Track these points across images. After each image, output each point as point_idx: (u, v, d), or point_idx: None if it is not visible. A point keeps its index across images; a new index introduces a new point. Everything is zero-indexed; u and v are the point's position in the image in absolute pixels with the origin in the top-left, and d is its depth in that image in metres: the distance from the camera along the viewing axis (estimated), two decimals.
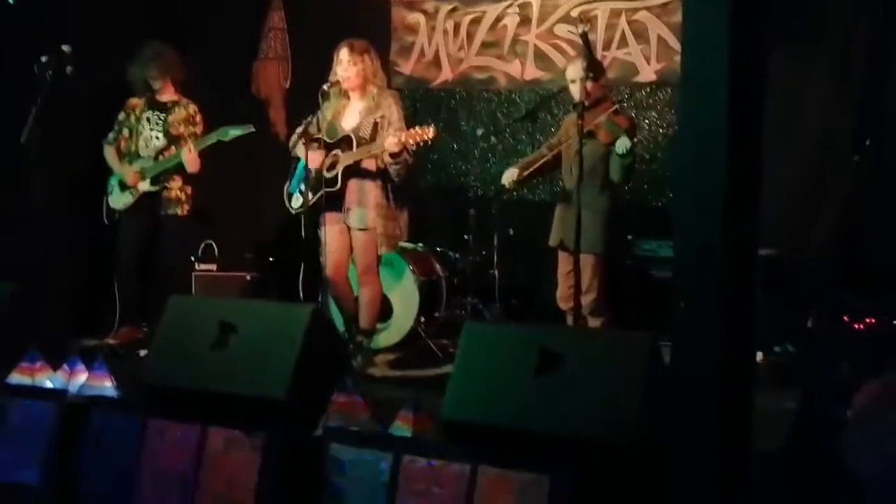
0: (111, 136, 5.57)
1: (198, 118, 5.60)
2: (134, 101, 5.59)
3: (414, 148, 4.75)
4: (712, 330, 2.59)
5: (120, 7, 5.73)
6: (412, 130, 4.70)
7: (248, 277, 6.05)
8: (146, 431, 3.36)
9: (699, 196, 2.58)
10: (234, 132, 5.33)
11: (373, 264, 5.06)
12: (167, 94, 5.59)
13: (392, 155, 4.74)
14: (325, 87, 4.91)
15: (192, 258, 5.98)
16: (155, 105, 5.57)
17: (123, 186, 5.51)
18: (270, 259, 6.19)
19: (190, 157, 5.37)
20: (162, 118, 5.55)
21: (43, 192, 4.69)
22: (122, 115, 5.59)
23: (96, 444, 3.40)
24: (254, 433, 3.20)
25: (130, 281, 5.53)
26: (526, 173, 5.11)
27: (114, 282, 5.56)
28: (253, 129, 5.42)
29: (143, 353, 5.14)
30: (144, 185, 5.46)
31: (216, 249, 6.20)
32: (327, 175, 4.93)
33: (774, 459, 3.26)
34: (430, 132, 4.66)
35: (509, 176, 5.11)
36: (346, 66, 4.93)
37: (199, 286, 5.91)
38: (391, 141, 4.69)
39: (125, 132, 5.57)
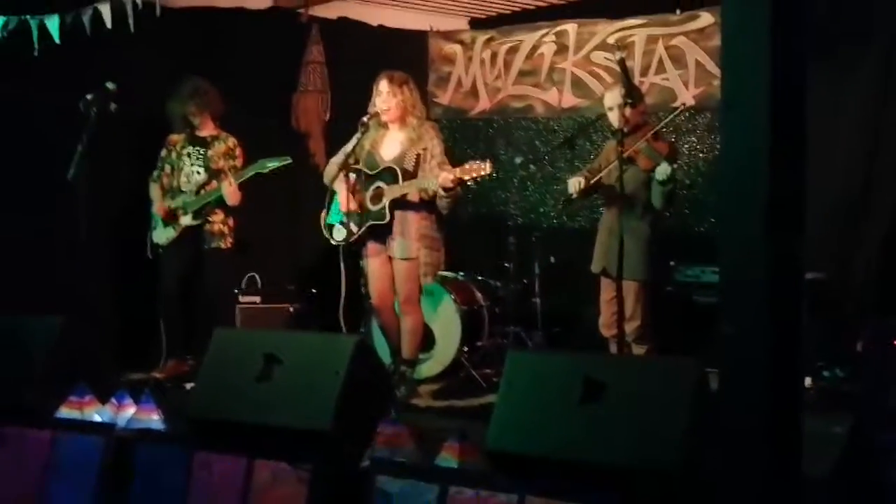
0: (155, 173, 5.68)
1: (237, 151, 5.67)
2: (174, 137, 5.69)
3: (471, 184, 4.76)
4: (761, 355, 2.56)
5: (161, 42, 5.82)
6: (468, 165, 4.70)
7: (291, 309, 6.08)
8: (193, 464, 3.37)
9: (744, 219, 2.56)
10: (272, 164, 5.40)
11: (414, 294, 5.07)
12: (206, 129, 5.67)
13: (445, 189, 4.75)
14: (364, 118, 4.96)
15: (236, 290, 6.02)
16: (195, 140, 5.66)
17: (167, 221, 5.59)
18: (312, 290, 6.22)
19: (230, 191, 5.43)
20: (202, 153, 5.63)
21: (89, 227, 4.76)
22: (163, 152, 5.69)
23: (144, 477, 3.42)
24: (300, 465, 3.20)
25: (175, 314, 5.60)
26: (592, 182, 4.97)
27: (159, 316, 5.62)
28: (290, 161, 5.49)
29: (189, 386, 5.19)
30: (186, 220, 5.54)
31: (259, 282, 6.25)
32: (372, 207, 4.95)
33: (824, 485, 3.21)
34: (486, 167, 4.67)
35: (575, 184, 4.99)
36: (385, 97, 4.96)
37: (243, 318, 5.95)
38: (446, 177, 4.70)
39: (167, 168, 5.66)
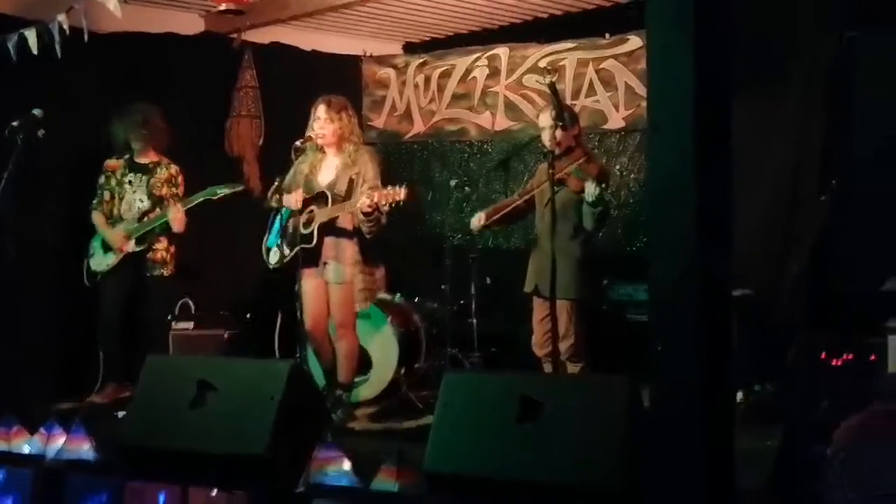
0: (95, 201, 5.59)
1: (179, 179, 5.65)
2: (112, 163, 5.61)
3: (386, 208, 4.76)
4: (691, 371, 2.61)
5: (88, 68, 5.75)
6: (383, 191, 4.70)
7: (226, 335, 6.01)
8: (126, 494, 3.32)
9: (672, 238, 2.62)
10: (223, 190, 5.40)
11: (349, 318, 5.06)
12: (147, 156, 5.62)
13: (365, 213, 4.75)
14: (298, 143, 4.95)
15: (169, 317, 5.94)
16: (135, 167, 5.59)
17: (107, 248, 5.52)
18: (248, 315, 6.16)
19: (177, 217, 5.39)
20: (144, 180, 5.57)
21: (16, 256, 4.66)
22: (101, 179, 5.60)
23: None
24: (235, 491, 3.17)
25: (113, 341, 5.50)
26: (494, 218, 5.12)
27: (95, 343, 5.53)
28: (241, 188, 5.53)
29: (120, 414, 5.10)
30: (130, 246, 5.47)
31: (193, 307, 6.17)
32: (304, 231, 4.94)
33: (757, 498, 3.27)
34: (401, 193, 4.66)
35: (476, 221, 5.14)
36: (322, 122, 4.96)
37: (176, 345, 5.87)
38: (364, 201, 4.70)
39: (106, 195, 5.59)
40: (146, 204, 5.54)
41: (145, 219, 5.51)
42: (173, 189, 5.61)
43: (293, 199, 4.94)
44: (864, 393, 4.49)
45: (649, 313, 2.75)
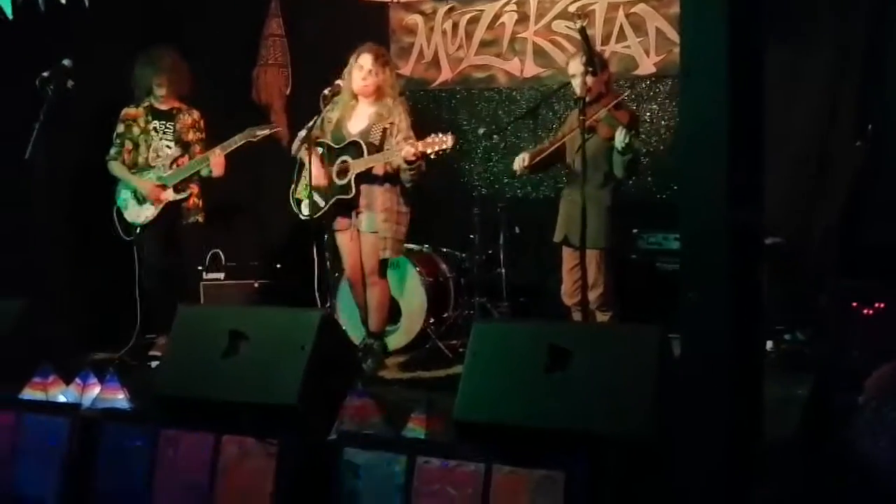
0: (113, 151, 5.49)
1: (202, 124, 5.59)
2: (131, 111, 5.51)
3: (433, 157, 4.74)
4: (722, 320, 2.60)
5: (116, 16, 5.73)
6: (430, 139, 4.68)
7: (256, 285, 6.06)
8: (160, 442, 3.37)
9: (703, 186, 2.59)
10: (262, 131, 5.36)
11: (377, 267, 5.06)
12: (168, 102, 5.54)
13: (408, 162, 4.74)
14: (326, 91, 4.91)
15: (199, 268, 5.98)
16: (158, 114, 5.52)
17: (142, 199, 5.44)
18: (277, 266, 6.19)
19: (218, 161, 5.34)
20: (170, 126, 5.51)
21: (49, 208, 4.70)
22: (120, 128, 5.50)
23: (111, 456, 3.41)
24: (267, 440, 3.21)
25: (162, 292, 5.42)
26: (537, 159, 5.00)
27: (133, 293, 5.47)
28: (279, 128, 5.48)
29: (154, 364, 5.17)
30: (169, 195, 5.41)
31: (223, 258, 6.21)
32: (338, 182, 4.93)
33: (786, 446, 3.27)
34: (448, 140, 4.65)
35: (520, 161, 5.01)
36: (365, 73, 4.92)
37: (208, 296, 5.92)
38: (408, 150, 4.69)
39: (128, 145, 5.50)
40: (175, 150, 5.47)
41: (175, 166, 5.45)
42: (199, 134, 5.55)
43: (317, 173, 4.87)
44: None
45: (680, 262, 2.73)
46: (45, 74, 4.86)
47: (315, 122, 4.93)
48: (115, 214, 5.50)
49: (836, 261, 5.22)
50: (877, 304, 4.73)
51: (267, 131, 5.40)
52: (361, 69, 4.92)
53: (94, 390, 3.77)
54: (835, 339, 4.76)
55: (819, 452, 3.19)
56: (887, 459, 2.62)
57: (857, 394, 3.06)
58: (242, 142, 5.36)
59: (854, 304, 4.76)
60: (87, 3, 4.38)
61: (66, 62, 4.91)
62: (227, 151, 5.36)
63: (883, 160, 5.00)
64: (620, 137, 4.58)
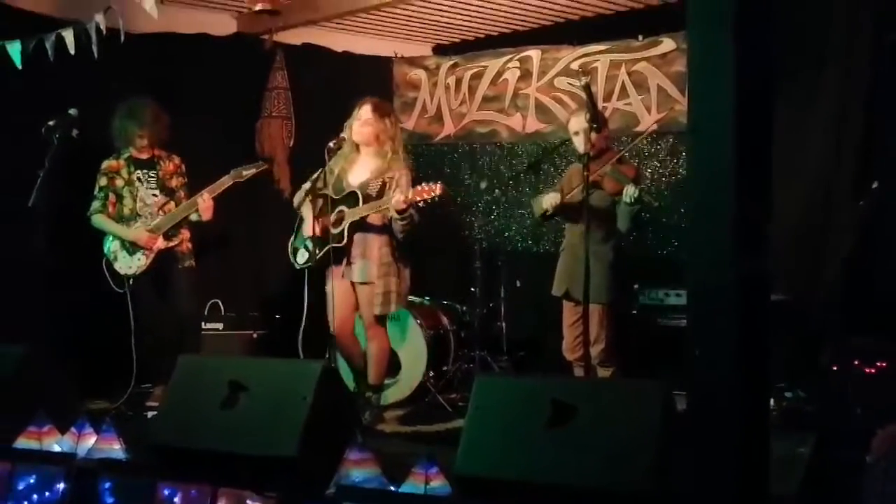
0: (97, 204, 5.45)
1: (183, 168, 5.59)
2: (113, 163, 5.48)
3: (421, 205, 4.76)
4: (729, 376, 2.58)
5: (124, 69, 5.78)
6: (419, 188, 4.70)
7: (255, 335, 6.04)
8: (156, 494, 3.32)
9: (711, 240, 2.59)
10: (249, 171, 5.38)
11: (376, 318, 5.04)
12: (146, 151, 5.51)
13: (399, 212, 4.75)
14: (331, 144, 4.94)
15: (196, 316, 5.95)
16: (139, 164, 5.49)
17: (132, 250, 5.42)
18: (276, 316, 6.18)
19: (206, 205, 5.34)
20: (153, 175, 5.50)
21: (50, 256, 4.69)
22: (103, 181, 5.46)
23: None
24: (266, 493, 3.16)
25: (159, 340, 5.38)
26: (566, 199, 4.91)
27: (127, 343, 5.42)
28: (266, 167, 5.50)
29: (151, 415, 5.12)
30: (160, 243, 5.41)
31: (222, 308, 6.19)
32: (333, 231, 4.94)
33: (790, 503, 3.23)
34: (437, 189, 4.66)
35: (552, 199, 4.92)
36: (363, 122, 4.96)
37: (207, 345, 5.89)
38: (398, 198, 4.71)
39: (111, 197, 5.46)
40: (160, 198, 5.47)
41: (161, 212, 5.43)
42: (181, 179, 5.55)
43: (307, 219, 4.89)
44: None
45: (687, 317, 2.72)
46: (51, 123, 4.89)
47: (319, 175, 4.95)
48: (104, 267, 5.45)
49: (838, 319, 5.20)
50: (878, 363, 4.72)
51: (253, 170, 5.40)
52: (359, 119, 4.98)
53: (90, 440, 3.72)
54: (836, 397, 4.74)
55: None
56: None
57: (859, 453, 3.03)
58: (230, 183, 5.37)
59: (856, 362, 4.74)
60: (95, 56, 4.40)
61: (72, 111, 4.94)
62: (215, 194, 5.37)
63: (887, 217, 5.01)
64: (630, 191, 4.58)
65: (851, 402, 4.59)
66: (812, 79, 5.45)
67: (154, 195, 5.49)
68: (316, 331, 5.27)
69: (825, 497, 3.42)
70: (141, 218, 5.45)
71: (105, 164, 5.49)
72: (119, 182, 5.48)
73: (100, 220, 5.45)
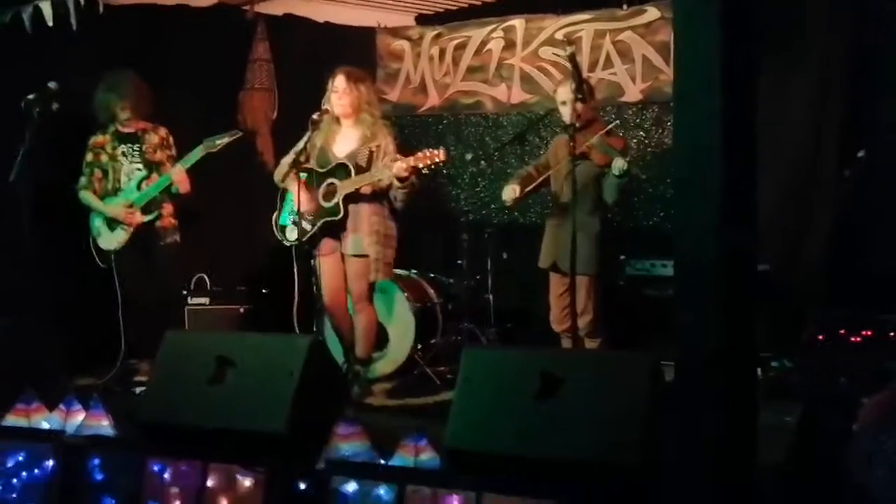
0: (83, 180, 5.43)
1: (170, 140, 5.54)
2: (98, 139, 5.45)
3: (425, 171, 4.73)
4: (717, 345, 2.58)
5: (104, 41, 5.71)
6: (421, 154, 4.67)
7: (242, 310, 6.01)
8: (146, 470, 3.32)
9: (698, 211, 2.59)
10: (221, 140, 5.31)
11: (366, 291, 5.03)
12: (132, 125, 5.47)
13: (401, 180, 4.71)
14: (314, 116, 4.90)
15: (184, 292, 5.93)
16: (124, 138, 5.45)
17: (113, 225, 5.40)
18: (263, 291, 6.15)
19: (179, 177, 5.30)
20: (137, 149, 5.46)
21: (33, 231, 4.65)
22: (89, 156, 5.44)
23: (96, 484, 3.35)
24: (255, 468, 3.17)
25: (144, 316, 5.36)
26: (528, 189, 4.99)
27: (115, 319, 5.41)
28: (240, 134, 5.42)
29: (139, 390, 5.10)
30: (138, 217, 5.37)
31: (208, 283, 6.16)
32: (325, 204, 4.90)
33: (777, 473, 3.25)
34: (440, 154, 4.64)
35: (510, 192, 5.00)
36: (340, 93, 4.92)
37: (192, 320, 5.87)
38: (399, 165, 4.66)
39: (97, 173, 5.44)
40: (143, 172, 5.43)
41: (142, 187, 5.39)
42: (167, 152, 5.50)
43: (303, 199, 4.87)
44: (883, 370, 4.47)
45: (675, 286, 2.72)
46: (31, 97, 4.83)
47: (301, 147, 4.91)
48: (91, 244, 5.45)
49: (824, 288, 5.23)
50: (864, 332, 4.75)
51: (227, 139, 5.34)
52: (336, 90, 4.94)
53: (79, 417, 3.71)
54: (822, 366, 4.77)
55: (810, 480, 3.18)
56: (883, 489, 2.60)
57: (846, 421, 3.05)
58: (203, 153, 5.32)
59: (842, 331, 4.77)
60: (74, 27, 4.35)
61: (51, 85, 4.88)
62: (188, 166, 5.32)
63: (871, 187, 5.03)
64: (619, 163, 4.58)
65: (837, 372, 4.63)
66: (796, 48, 5.44)
67: (138, 169, 5.44)
68: (304, 305, 5.26)
69: (812, 466, 3.44)
70: (122, 192, 5.42)
71: (92, 140, 5.46)
72: (104, 157, 5.45)
73: (85, 196, 5.44)
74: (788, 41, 5.42)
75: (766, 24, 5.04)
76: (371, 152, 4.91)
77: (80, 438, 3.55)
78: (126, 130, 5.47)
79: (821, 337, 4.86)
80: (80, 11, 4.36)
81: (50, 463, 3.42)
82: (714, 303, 2.59)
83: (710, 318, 2.60)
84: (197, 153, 5.31)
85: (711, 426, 2.66)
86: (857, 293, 4.94)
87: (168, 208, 5.48)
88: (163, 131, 5.53)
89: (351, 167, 4.86)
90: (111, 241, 5.41)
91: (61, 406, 3.75)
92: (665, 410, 2.91)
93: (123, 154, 5.45)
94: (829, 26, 5.40)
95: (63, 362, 5.11)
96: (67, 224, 5.72)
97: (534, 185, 4.99)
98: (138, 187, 5.40)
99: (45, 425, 3.69)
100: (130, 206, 5.37)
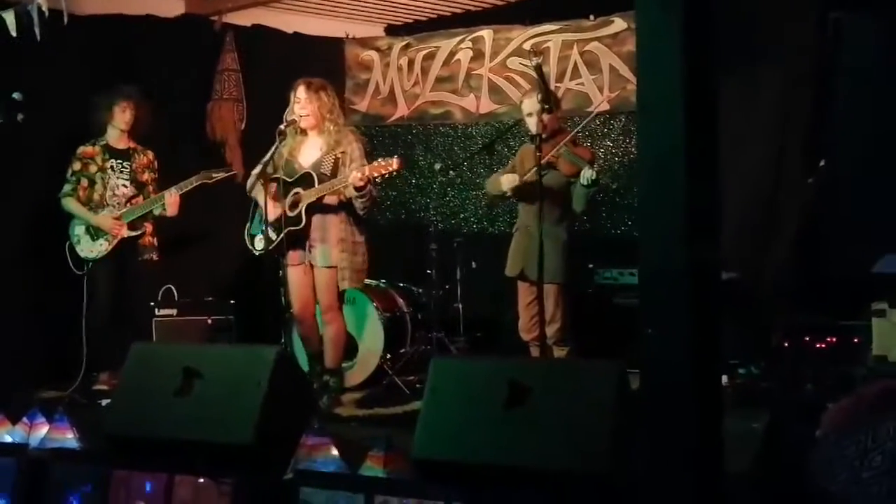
0: (68, 187, 5.48)
1: (156, 164, 5.65)
2: (88, 149, 5.51)
3: (379, 180, 4.75)
4: (681, 355, 2.60)
5: (69, 51, 5.68)
6: (376, 163, 4.70)
7: (210, 321, 5.98)
8: (111, 483, 3.28)
9: (662, 222, 2.60)
10: (218, 174, 5.46)
11: (335, 302, 5.03)
12: (124, 142, 5.57)
13: (357, 189, 4.72)
14: (281, 126, 4.90)
15: (152, 303, 5.89)
16: (114, 153, 5.53)
17: (95, 235, 5.44)
18: (231, 301, 6.12)
19: (173, 201, 5.39)
20: (127, 165, 5.54)
21: None
22: (77, 165, 5.50)
23: (60, 497, 3.32)
24: (222, 480, 3.14)
25: (108, 327, 5.42)
26: (526, 178, 4.89)
27: (79, 330, 5.41)
28: (234, 172, 5.60)
29: (105, 402, 5.06)
30: (125, 232, 5.43)
31: (175, 294, 6.13)
32: (290, 214, 4.90)
33: (745, 479, 3.27)
34: (394, 163, 4.66)
35: (511, 180, 4.92)
36: (303, 103, 4.93)
37: (160, 332, 5.83)
38: (355, 175, 4.68)
39: (83, 182, 5.49)
40: (130, 189, 5.51)
41: (130, 204, 5.47)
42: (152, 174, 5.62)
43: (271, 209, 4.87)
44: (848, 376, 4.52)
45: (639, 297, 2.73)
46: None
47: (269, 157, 4.91)
48: (66, 250, 5.46)
49: (789, 295, 5.28)
50: (829, 339, 4.81)
51: (223, 174, 5.49)
52: (298, 101, 4.95)
53: (42, 430, 3.66)
54: (788, 373, 4.82)
55: (775, 487, 3.20)
56: (845, 495, 2.63)
57: (812, 428, 3.08)
58: (198, 183, 5.43)
59: (807, 338, 4.82)
60: (38, 38, 4.32)
61: (15, 95, 4.86)
62: (183, 192, 5.41)
63: (835, 195, 5.09)
64: (588, 174, 4.60)
65: (803, 378, 4.67)
66: (758, 57, 5.50)
67: (125, 185, 5.52)
68: (272, 315, 5.24)
69: (778, 472, 3.47)
70: (108, 207, 5.48)
71: (80, 150, 5.53)
72: (92, 168, 5.51)
73: (68, 203, 5.49)
74: (752, 52, 5.47)
75: (728, 35, 5.10)
76: (336, 159, 4.92)
77: (43, 451, 3.51)
78: (117, 146, 5.56)
79: (786, 344, 4.91)
80: (45, 21, 4.32)
81: (13, 476, 3.37)
82: (678, 314, 2.60)
83: (675, 329, 2.61)
84: (192, 182, 5.42)
85: (677, 436, 2.67)
86: (821, 300, 4.99)
87: (150, 227, 5.56)
88: (150, 154, 5.64)
89: (315, 176, 4.87)
90: (91, 249, 5.44)
91: (25, 419, 3.70)
92: (633, 419, 2.92)
93: (112, 168, 5.52)
94: (792, 38, 5.46)
95: (26, 374, 5.07)
96: (32, 235, 5.69)
97: (527, 175, 4.91)
98: (126, 205, 5.47)
99: (8, 439, 3.64)
100: (118, 219, 5.43)
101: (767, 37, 5.52)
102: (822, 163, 4.91)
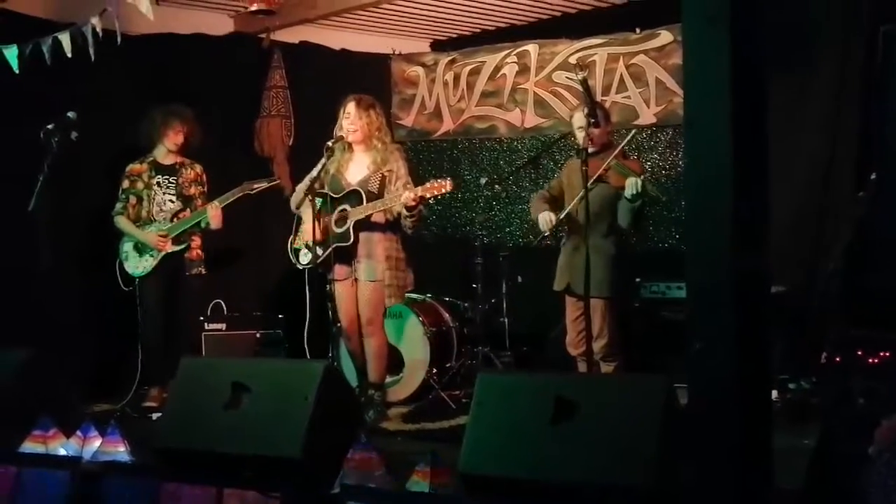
0: (119, 206, 5.59)
1: (204, 177, 5.71)
2: (136, 167, 5.61)
3: (431, 201, 4.78)
4: (729, 369, 2.58)
5: (122, 70, 5.79)
6: (429, 184, 4.72)
7: (258, 335, 6.04)
8: (161, 496, 3.32)
9: (709, 236, 2.59)
10: (260, 184, 5.50)
11: (378, 316, 5.07)
12: (170, 157, 5.64)
13: (408, 209, 4.76)
14: (329, 142, 4.95)
15: (201, 318, 5.97)
16: (161, 169, 5.63)
17: (142, 251, 5.52)
18: (279, 316, 6.18)
19: (215, 214, 5.46)
20: (173, 181, 5.62)
21: (52, 259, 4.70)
22: (126, 183, 5.60)
23: None
24: (270, 493, 3.16)
25: (159, 343, 5.50)
26: (562, 216, 4.88)
27: (132, 345, 5.53)
28: (277, 181, 5.63)
29: (155, 416, 5.14)
30: (170, 246, 5.50)
31: (224, 309, 6.20)
32: (337, 230, 4.94)
33: (796, 497, 3.23)
34: (447, 185, 4.69)
35: (547, 222, 4.87)
36: (352, 119, 4.98)
37: (210, 346, 5.90)
38: (408, 195, 4.72)
39: (132, 199, 5.59)
40: (177, 204, 5.59)
41: (176, 219, 5.54)
42: (200, 188, 5.68)
43: (307, 219, 4.89)
44: None
45: (687, 312, 2.71)
46: (50, 127, 4.89)
47: (316, 174, 4.96)
48: (116, 267, 5.56)
49: (840, 309, 5.20)
50: (881, 353, 4.72)
51: (265, 184, 5.54)
52: (348, 117, 5.00)
53: (95, 443, 3.73)
54: (840, 388, 4.74)
55: (829, 502, 3.15)
56: None
57: (864, 444, 3.03)
58: (240, 194, 5.50)
59: (859, 352, 4.74)
60: (92, 58, 4.41)
61: (70, 115, 4.95)
62: (225, 204, 5.48)
63: (886, 208, 5.01)
64: (632, 184, 4.55)
65: (854, 393, 4.59)
66: (808, 70, 5.44)
67: (171, 201, 5.60)
68: (319, 330, 5.27)
69: (830, 489, 3.41)
70: (156, 222, 5.56)
71: (129, 168, 5.63)
72: (140, 185, 5.61)
73: (120, 222, 5.60)
74: (802, 64, 5.42)
75: (777, 48, 5.05)
76: (383, 177, 4.96)
77: (96, 464, 3.56)
78: (164, 162, 5.64)
79: (838, 358, 4.82)
80: (99, 42, 4.41)
81: (67, 489, 3.43)
82: (727, 328, 2.58)
83: (723, 343, 2.59)
84: (234, 193, 5.49)
85: (725, 451, 2.64)
86: (873, 314, 4.91)
87: (197, 241, 5.61)
88: (198, 168, 5.70)
89: (363, 193, 4.90)
90: (138, 265, 5.53)
91: (78, 432, 3.77)
92: (681, 435, 2.90)
93: (158, 184, 5.61)
94: (842, 50, 5.39)
95: (78, 390, 5.14)
96: (87, 252, 5.79)
97: (566, 211, 4.89)
98: (172, 219, 5.54)
99: (62, 452, 3.71)
100: (164, 235, 5.50)
101: (817, 48, 5.46)
102: (872, 176, 4.83)
